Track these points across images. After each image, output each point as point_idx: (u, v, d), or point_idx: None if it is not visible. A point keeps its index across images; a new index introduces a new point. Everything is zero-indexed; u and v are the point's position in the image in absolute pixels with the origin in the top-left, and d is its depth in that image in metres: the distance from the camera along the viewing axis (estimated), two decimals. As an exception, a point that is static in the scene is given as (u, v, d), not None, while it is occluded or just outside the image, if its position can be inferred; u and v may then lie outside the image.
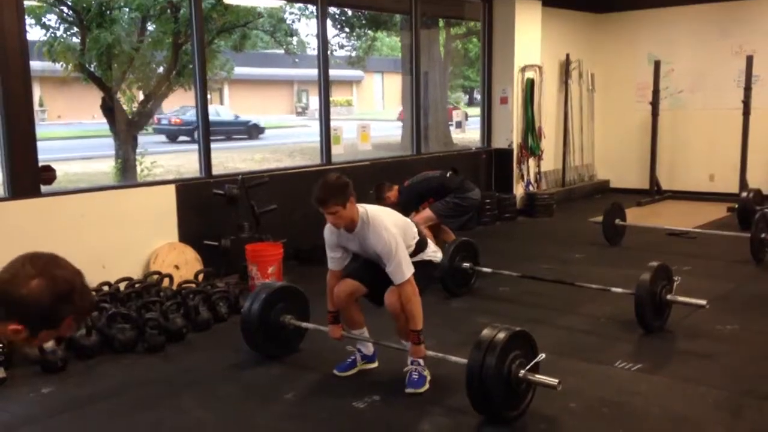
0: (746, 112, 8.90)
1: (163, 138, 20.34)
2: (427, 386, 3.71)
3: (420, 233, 3.91)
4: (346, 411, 3.54)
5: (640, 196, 9.80)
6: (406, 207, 5.57)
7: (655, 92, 9.67)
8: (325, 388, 3.85)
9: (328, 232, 3.81)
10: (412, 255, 3.74)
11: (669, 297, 4.56)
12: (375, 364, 4.05)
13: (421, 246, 3.87)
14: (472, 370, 3.26)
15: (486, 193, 8.72)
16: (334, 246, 3.82)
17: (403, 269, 3.59)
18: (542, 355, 3.38)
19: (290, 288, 4.39)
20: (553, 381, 3.26)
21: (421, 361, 3.74)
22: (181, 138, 20.15)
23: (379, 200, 5.74)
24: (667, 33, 10.10)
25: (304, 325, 4.29)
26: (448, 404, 3.58)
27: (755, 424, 3.36)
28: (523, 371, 3.29)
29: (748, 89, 8.87)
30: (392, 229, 3.65)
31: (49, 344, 4.13)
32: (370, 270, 3.86)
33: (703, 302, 4.50)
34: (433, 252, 3.97)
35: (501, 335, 3.29)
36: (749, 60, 8.86)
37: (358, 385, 3.83)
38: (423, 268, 3.82)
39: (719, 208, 8.83)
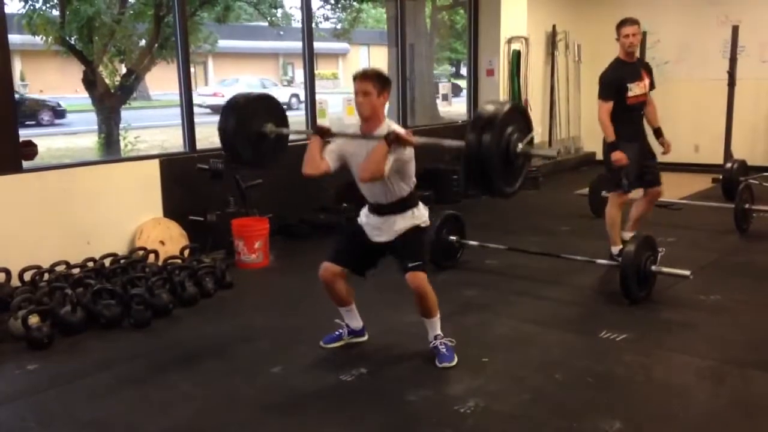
0: (731, 83, 8.90)
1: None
2: (456, 358, 3.70)
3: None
4: (333, 384, 3.55)
5: (626, 167, 9.81)
6: None
7: (642, 63, 9.63)
8: (313, 361, 3.86)
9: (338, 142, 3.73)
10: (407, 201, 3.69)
11: (653, 268, 4.60)
12: (365, 338, 4.04)
13: (413, 196, 3.73)
14: (471, 149, 3.20)
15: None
16: (337, 149, 3.70)
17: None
18: (533, 133, 3.34)
19: (267, 97, 4.41)
20: (553, 151, 3.27)
21: (442, 334, 3.74)
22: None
23: None
24: (653, 3, 10.05)
25: (285, 131, 4.29)
26: (435, 376, 3.60)
27: (737, 392, 3.41)
28: (521, 145, 3.23)
29: (733, 60, 8.85)
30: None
31: (35, 320, 4.11)
32: (354, 251, 3.83)
33: (687, 273, 4.54)
34: (422, 212, 3.78)
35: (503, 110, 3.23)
36: (735, 30, 8.84)
37: (345, 359, 3.84)
38: (417, 235, 3.73)
39: (704, 179, 8.88)
